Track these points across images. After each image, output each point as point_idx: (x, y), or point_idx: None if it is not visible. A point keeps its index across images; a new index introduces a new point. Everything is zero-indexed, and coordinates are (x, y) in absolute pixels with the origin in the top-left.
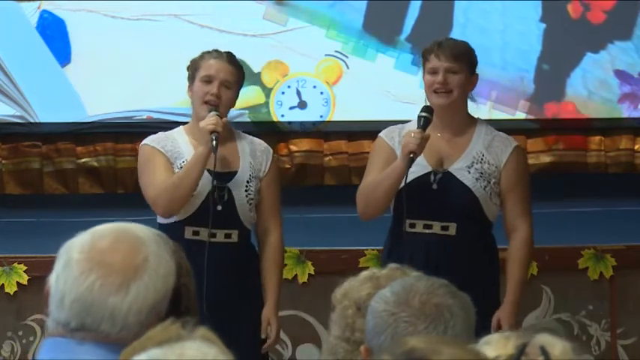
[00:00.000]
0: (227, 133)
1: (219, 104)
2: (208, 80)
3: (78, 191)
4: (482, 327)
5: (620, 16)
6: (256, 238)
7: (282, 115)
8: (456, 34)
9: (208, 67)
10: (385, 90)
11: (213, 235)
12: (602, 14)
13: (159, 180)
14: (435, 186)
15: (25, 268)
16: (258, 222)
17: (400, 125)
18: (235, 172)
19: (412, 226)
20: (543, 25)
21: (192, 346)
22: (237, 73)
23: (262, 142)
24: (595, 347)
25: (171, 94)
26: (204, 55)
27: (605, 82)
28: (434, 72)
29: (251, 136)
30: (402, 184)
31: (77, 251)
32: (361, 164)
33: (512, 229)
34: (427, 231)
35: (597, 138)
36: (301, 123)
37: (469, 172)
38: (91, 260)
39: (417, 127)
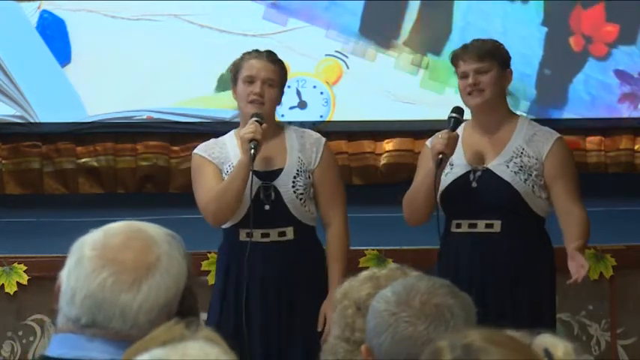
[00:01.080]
0: (275, 130)
1: (264, 103)
2: (251, 80)
3: (78, 191)
4: (538, 319)
5: (623, 40)
6: (323, 231)
7: (282, 115)
8: (455, 37)
9: (249, 67)
10: (385, 90)
11: (267, 235)
12: (604, 47)
13: (207, 190)
14: (474, 184)
15: (25, 268)
16: (321, 214)
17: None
18: (280, 170)
19: (458, 226)
20: (545, 29)
21: (194, 346)
22: (279, 70)
23: (314, 133)
24: (595, 347)
25: (172, 94)
26: (245, 56)
27: (606, 84)
28: (464, 76)
29: (302, 129)
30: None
31: (90, 248)
32: (361, 164)
33: (565, 213)
34: (472, 230)
35: (597, 138)
36: (301, 123)
37: (507, 167)
38: (104, 257)
39: (447, 128)
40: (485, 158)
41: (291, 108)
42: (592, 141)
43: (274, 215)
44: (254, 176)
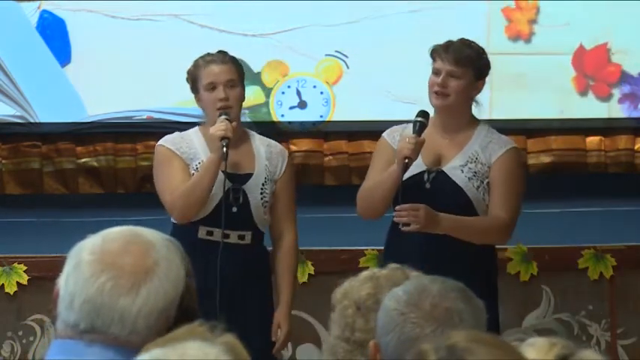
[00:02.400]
0: (242, 134)
1: (232, 106)
2: (213, 87)
3: (78, 191)
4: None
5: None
6: (271, 240)
7: (282, 115)
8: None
9: (208, 74)
10: (385, 90)
11: (227, 236)
12: (606, 88)
13: (174, 185)
14: (427, 185)
15: (25, 268)
16: (273, 224)
17: (403, 125)
18: (251, 175)
19: (407, 224)
20: None
21: (193, 346)
22: (236, 68)
23: (278, 144)
24: (595, 347)
25: (171, 94)
26: (199, 63)
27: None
28: (436, 72)
29: (267, 138)
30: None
31: (88, 253)
32: (361, 164)
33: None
34: (406, 229)
35: (597, 138)
36: (301, 123)
37: (462, 172)
38: (102, 262)
39: (413, 132)
40: (442, 160)
41: (291, 108)
42: (592, 141)
43: (239, 218)
44: (224, 176)
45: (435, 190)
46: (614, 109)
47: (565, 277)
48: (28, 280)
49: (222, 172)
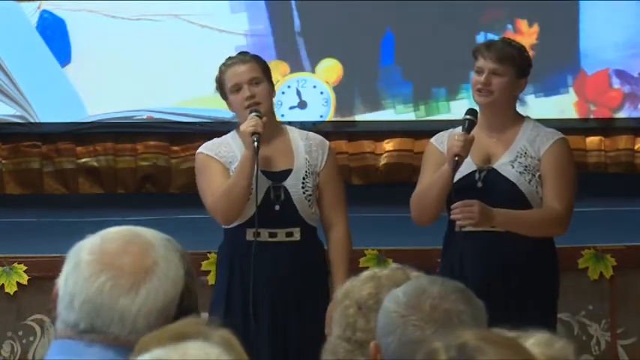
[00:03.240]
0: (278, 131)
1: (259, 102)
2: (238, 88)
3: (78, 191)
4: (542, 322)
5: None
6: (324, 233)
7: (282, 115)
8: None
9: (231, 76)
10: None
11: (274, 235)
12: (608, 111)
13: (215, 187)
14: (479, 184)
15: (25, 268)
16: (322, 217)
17: (449, 130)
18: (290, 170)
19: (463, 226)
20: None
21: (194, 346)
22: (259, 65)
23: (317, 135)
24: (595, 347)
25: (171, 94)
26: (222, 69)
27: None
28: (479, 71)
29: (305, 131)
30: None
31: (87, 253)
32: (361, 164)
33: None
34: (477, 229)
35: (597, 138)
36: (301, 123)
37: (512, 167)
38: (102, 262)
39: (462, 130)
40: (491, 158)
41: (291, 108)
42: (592, 141)
43: (283, 216)
44: (264, 176)
45: (487, 188)
46: (615, 109)
47: (565, 277)
48: (28, 280)
49: (263, 172)
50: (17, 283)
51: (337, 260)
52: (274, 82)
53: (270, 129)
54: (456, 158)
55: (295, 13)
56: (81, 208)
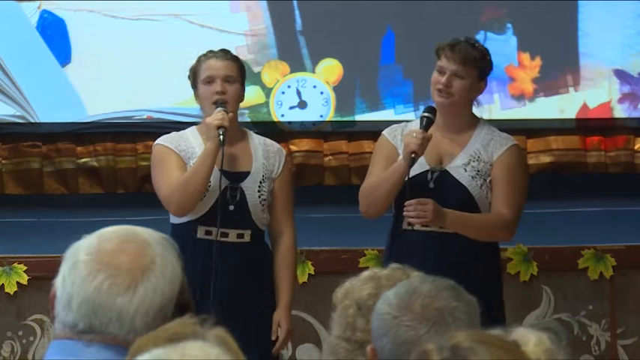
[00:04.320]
0: (239, 133)
1: (227, 100)
2: (210, 81)
3: (78, 191)
4: (489, 318)
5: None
6: (270, 239)
7: (282, 115)
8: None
9: (206, 68)
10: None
11: (225, 235)
12: (608, 111)
13: (172, 179)
14: (431, 184)
15: (25, 268)
16: (271, 223)
17: (403, 124)
18: (248, 173)
19: (411, 224)
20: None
21: (194, 345)
22: (236, 66)
23: (275, 143)
24: (595, 347)
25: (171, 94)
26: (200, 59)
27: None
28: (441, 71)
29: (264, 137)
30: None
31: (84, 253)
32: (361, 164)
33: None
34: (425, 229)
35: (597, 138)
36: (301, 123)
37: (465, 171)
38: (99, 261)
39: (420, 127)
40: (443, 159)
41: (291, 108)
42: (592, 141)
43: (236, 217)
44: (222, 175)
45: (438, 189)
46: (614, 109)
47: (565, 277)
48: (28, 280)
49: (222, 171)
50: (17, 283)
51: (284, 267)
52: (274, 82)
53: (233, 130)
54: (413, 155)
55: (297, 12)
56: (81, 208)
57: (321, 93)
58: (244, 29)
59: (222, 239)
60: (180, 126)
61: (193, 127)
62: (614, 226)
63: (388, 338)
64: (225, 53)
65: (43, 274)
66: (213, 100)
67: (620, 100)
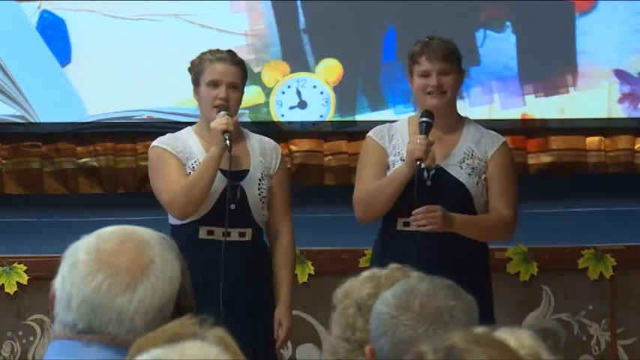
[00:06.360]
0: (236, 132)
1: (229, 107)
2: (215, 84)
3: (78, 191)
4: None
5: None
6: (268, 237)
7: (282, 115)
8: None
9: (213, 71)
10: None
11: (228, 234)
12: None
13: (172, 182)
14: (429, 182)
15: (25, 268)
16: (270, 222)
17: (388, 124)
18: (247, 171)
19: (406, 224)
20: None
21: (193, 345)
22: (242, 72)
23: (271, 140)
24: (595, 347)
25: (171, 94)
26: (206, 57)
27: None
28: (426, 75)
29: (259, 135)
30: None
31: (83, 253)
32: None
33: (492, 211)
34: (421, 229)
35: (597, 138)
36: (301, 123)
37: (461, 168)
38: (98, 261)
39: (420, 133)
40: (437, 157)
41: (291, 108)
42: (592, 141)
43: (238, 215)
44: (222, 175)
45: (436, 186)
46: (614, 109)
47: (565, 277)
48: (28, 280)
49: (220, 170)
50: (17, 283)
51: (283, 266)
52: (274, 82)
53: (233, 132)
54: (418, 162)
55: (300, 11)
56: (81, 208)
57: (321, 93)
58: (244, 29)
59: (224, 238)
60: (180, 126)
61: (189, 128)
62: (614, 226)
63: (387, 338)
64: (232, 57)
65: (43, 274)
66: (215, 105)
67: (620, 100)
